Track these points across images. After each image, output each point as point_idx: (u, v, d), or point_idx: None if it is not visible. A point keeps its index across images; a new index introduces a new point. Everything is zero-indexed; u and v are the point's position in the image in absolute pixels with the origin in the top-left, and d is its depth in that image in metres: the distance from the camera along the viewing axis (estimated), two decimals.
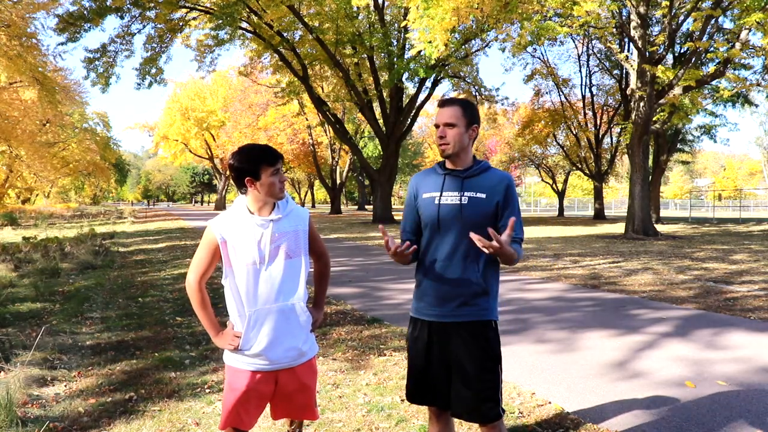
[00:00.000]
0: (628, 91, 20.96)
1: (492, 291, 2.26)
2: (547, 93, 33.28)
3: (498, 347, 2.26)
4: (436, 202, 2.24)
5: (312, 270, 2.49)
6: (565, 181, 40.22)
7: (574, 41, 29.65)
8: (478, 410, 2.19)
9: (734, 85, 18.79)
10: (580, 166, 33.11)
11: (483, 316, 2.22)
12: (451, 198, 2.21)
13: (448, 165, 2.29)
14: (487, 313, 2.23)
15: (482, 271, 2.21)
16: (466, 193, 2.20)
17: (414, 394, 2.34)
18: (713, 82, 20.21)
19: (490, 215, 2.19)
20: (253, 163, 2.12)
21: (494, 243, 1.97)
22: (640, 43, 16.90)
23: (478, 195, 2.19)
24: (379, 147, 33.39)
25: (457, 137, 2.20)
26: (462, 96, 30.55)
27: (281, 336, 2.18)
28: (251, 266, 2.14)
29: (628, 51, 20.69)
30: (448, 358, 2.24)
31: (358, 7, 24.28)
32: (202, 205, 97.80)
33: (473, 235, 2.02)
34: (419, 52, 18.16)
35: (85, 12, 20.79)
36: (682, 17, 18.05)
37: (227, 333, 2.23)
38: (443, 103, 2.25)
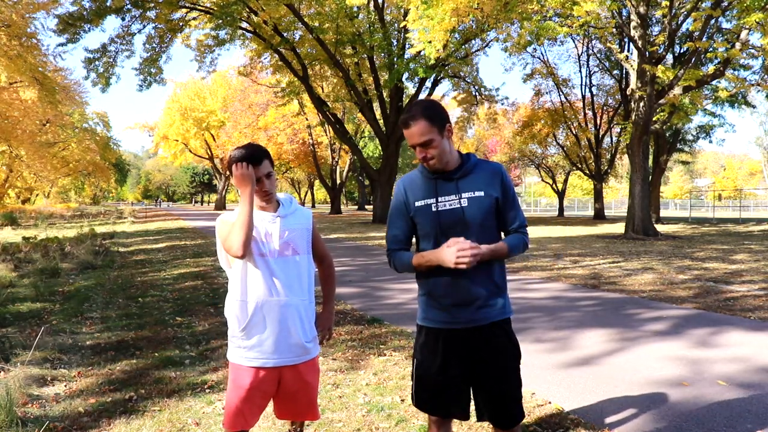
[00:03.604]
0: (628, 91, 20.96)
1: (504, 287, 2.22)
2: (547, 93, 33.33)
3: (518, 343, 2.26)
4: (434, 209, 2.13)
5: (317, 273, 2.50)
6: (565, 181, 40.21)
7: (574, 41, 29.65)
8: (508, 412, 2.17)
9: (734, 85, 18.79)
10: (580, 166, 33.11)
11: (501, 315, 2.18)
12: (449, 203, 2.12)
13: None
14: (504, 312, 2.20)
15: (494, 270, 2.16)
16: (463, 195, 2.12)
17: (426, 403, 2.23)
18: (713, 82, 20.21)
19: (491, 211, 2.15)
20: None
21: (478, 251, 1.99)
22: (640, 43, 16.89)
23: (476, 194, 2.12)
24: (379, 147, 33.38)
25: (439, 150, 2.08)
26: (462, 96, 30.58)
27: (285, 331, 2.19)
28: (260, 257, 2.17)
29: (628, 51, 20.69)
30: (468, 365, 2.16)
31: (358, 7, 24.29)
32: (202, 205, 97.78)
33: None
34: (419, 52, 18.20)
35: (85, 12, 20.80)
36: (682, 17, 18.05)
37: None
38: (406, 122, 2.06)
